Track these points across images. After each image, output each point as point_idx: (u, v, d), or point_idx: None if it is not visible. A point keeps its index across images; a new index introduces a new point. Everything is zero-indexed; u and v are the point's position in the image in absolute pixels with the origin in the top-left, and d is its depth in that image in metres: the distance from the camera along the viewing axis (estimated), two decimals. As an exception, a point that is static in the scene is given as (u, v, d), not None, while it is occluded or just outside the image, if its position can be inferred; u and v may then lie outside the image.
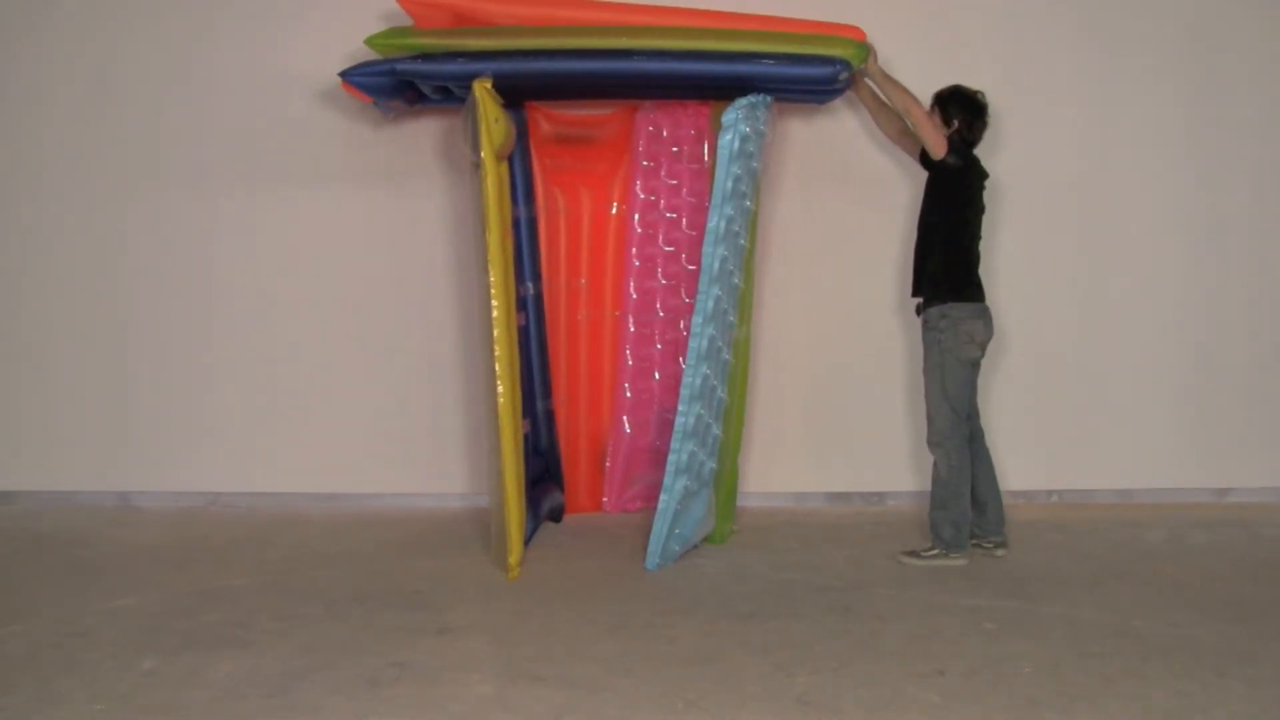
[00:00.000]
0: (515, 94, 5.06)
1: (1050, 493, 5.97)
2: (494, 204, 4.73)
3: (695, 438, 4.83)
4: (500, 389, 4.74)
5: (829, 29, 4.99)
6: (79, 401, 5.94)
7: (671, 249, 5.59)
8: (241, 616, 4.25)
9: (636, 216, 5.60)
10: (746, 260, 5.09)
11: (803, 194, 5.79)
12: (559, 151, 5.62)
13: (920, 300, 5.04)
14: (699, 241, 5.04)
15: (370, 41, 5.02)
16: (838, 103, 5.52)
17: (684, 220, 5.55)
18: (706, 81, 4.97)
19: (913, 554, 4.94)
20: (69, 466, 5.97)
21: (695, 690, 3.58)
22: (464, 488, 5.87)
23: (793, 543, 5.26)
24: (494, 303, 4.73)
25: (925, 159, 5.01)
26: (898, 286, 5.74)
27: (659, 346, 5.64)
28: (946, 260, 4.96)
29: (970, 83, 5.04)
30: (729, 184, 4.81)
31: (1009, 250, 5.70)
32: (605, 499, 5.76)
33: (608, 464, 5.73)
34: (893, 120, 5.23)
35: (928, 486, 5.06)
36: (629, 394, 5.65)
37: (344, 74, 5.02)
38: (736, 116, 4.78)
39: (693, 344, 4.78)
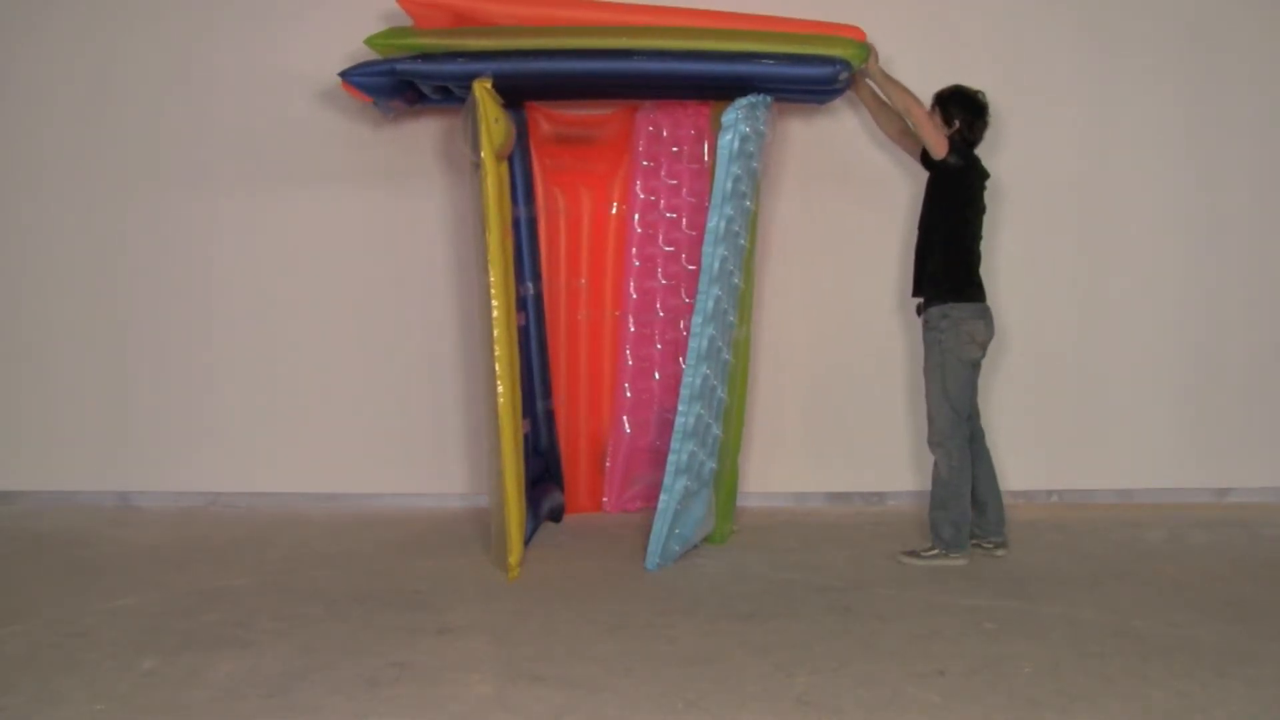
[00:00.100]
0: (515, 94, 5.06)
1: (1050, 493, 5.97)
2: (494, 204, 4.73)
3: (695, 438, 4.83)
4: (500, 389, 4.74)
5: (829, 29, 4.99)
6: (79, 401, 5.94)
7: (671, 249, 5.59)
8: (241, 616, 4.25)
9: (636, 216, 5.60)
10: (746, 260, 5.09)
11: (803, 194, 5.79)
12: (559, 151, 5.62)
13: (921, 300, 5.04)
14: (699, 241, 5.04)
15: (370, 41, 5.02)
16: (838, 103, 5.52)
17: (684, 220, 5.55)
18: (706, 81, 4.97)
19: (913, 554, 4.94)
20: (69, 466, 5.97)
21: (695, 690, 3.58)
22: (464, 488, 5.87)
23: (793, 543, 5.26)
24: (494, 303, 4.73)
25: (926, 159, 5.01)
26: (898, 286, 5.74)
27: (659, 346, 5.64)
28: (947, 260, 4.96)
29: (970, 83, 5.04)
30: (729, 184, 4.81)
31: (1009, 250, 5.71)
32: (605, 499, 5.76)
33: (608, 464, 5.73)
34: (893, 120, 5.23)
35: (928, 486, 5.06)
36: (629, 394, 5.65)
37: (344, 74, 5.02)
38: (736, 116, 4.78)
39: (693, 344, 4.78)
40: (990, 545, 5.04)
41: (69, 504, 5.92)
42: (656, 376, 5.64)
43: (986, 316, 4.98)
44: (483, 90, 4.71)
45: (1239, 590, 4.58)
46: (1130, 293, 5.90)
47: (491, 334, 4.74)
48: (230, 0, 5.81)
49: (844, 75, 4.87)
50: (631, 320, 5.64)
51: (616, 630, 4.10)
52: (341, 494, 5.91)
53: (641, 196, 5.59)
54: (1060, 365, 5.89)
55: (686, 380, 4.79)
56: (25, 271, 5.93)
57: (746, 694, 3.56)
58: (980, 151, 5.05)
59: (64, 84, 5.84)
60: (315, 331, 5.90)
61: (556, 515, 5.56)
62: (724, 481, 5.19)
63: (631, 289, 5.63)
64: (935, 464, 4.98)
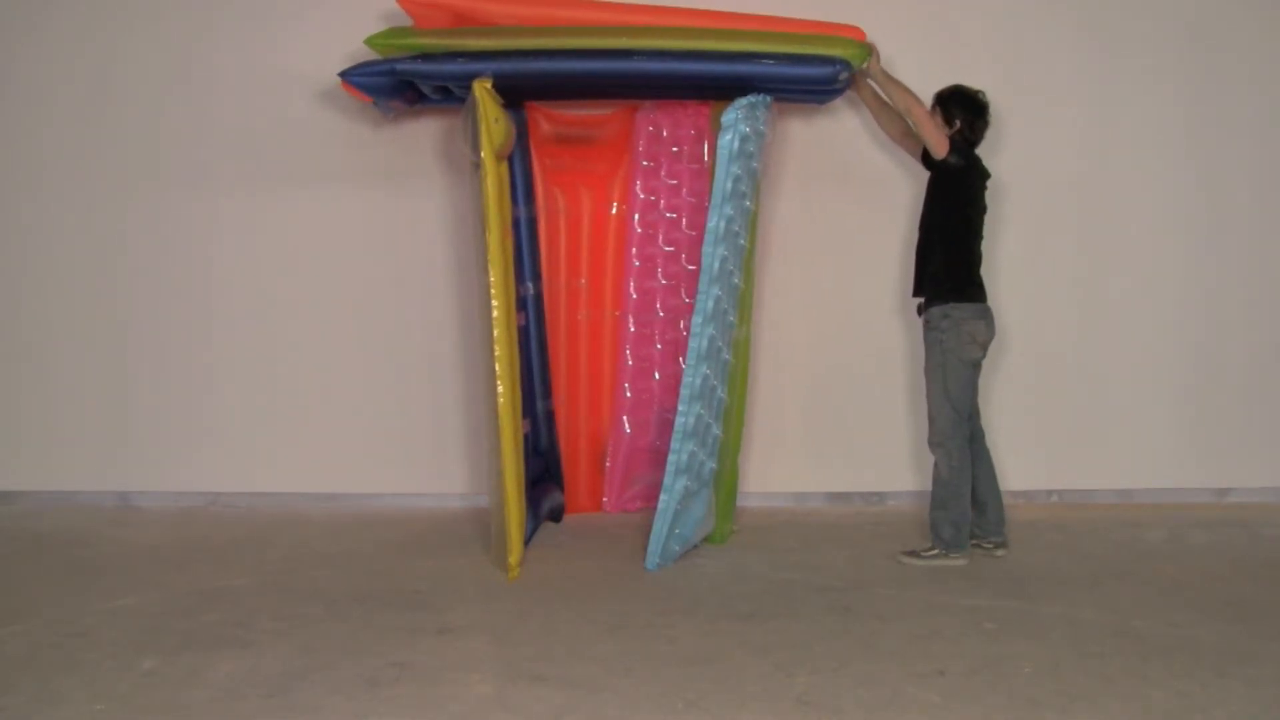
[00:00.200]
0: (515, 94, 5.06)
1: (1050, 493, 5.97)
2: (494, 204, 4.73)
3: (695, 438, 4.83)
4: (500, 389, 4.74)
5: (829, 29, 4.99)
6: (79, 401, 5.94)
7: (671, 249, 5.59)
8: (241, 616, 4.25)
9: (636, 216, 5.60)
10: (746, 260, 5.09)
11: (803, 194, 5.79)
12: (559, 151, 5.62)
13: (921, 300, 5.04)
14: (699, 241, 5.04)
15: (370, 41, 5.02)
16: (838, 103, 5.52)
17: (684, 220, 5.55)
18: (706, 81, 4.97)
19: (913, 554, 4.94)
20: (69, 466, 5.97)
21: (695, 690, 3.58)
22: (464, 488, 5.87)
23: (793, 543, 5.26)
24: (494, 303, 4.73)
25: (927, 159, 5.01)
26: (898, 286, 5.74)
27: (659, 346, 5.64)
28: (948, 260, 4.95)
29: (970, 83, 5.04)
30: (729, 184, 4.81)
31: (1009, 250, 5.71)
32: (605, 499, 5.76)
33: (608, 464, 5.73)
34: (895, 120, 5.23)
35: (928, 486, 5.06)
36: (629, 394, 5.65)
37: (344, 74, 5.02)
38: (736, 116, 4.78)
39: (693, 344, 4.78)
40: (990, 545, 5.04)
41: (69, 504, 5.92)
42: (656, 376, 5.64)
43: (987, 317, 4.98)
44: (483, 90, 4.71)
45: (1239, 590, 4.57)
46: (1130, 293, 5.90)
47: (491, 334, 4.74)
48: (230, 0, 5.81)
49: (844, 75, 4.87)
50: (631, 320, 5.64)
51: (616, 630, 4.10)
52: (341, 494, 5.91)
53: (641, 196, 5.59)
54: (1060, 365, 5.89)
55: (686, 380, 4.79)
56: (25, 271, 5.93)
57: (746, 694, 3.56)
58: (981, 151, 5.05)
59: (64, 84, 5.84)
60: (315, 331, 5.90)
61: (556, 515, 5.56)
62: (724, 481, 5.19)
63: (631, 289, 5.63)
64: (935, 464, 4.98)
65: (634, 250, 5.62)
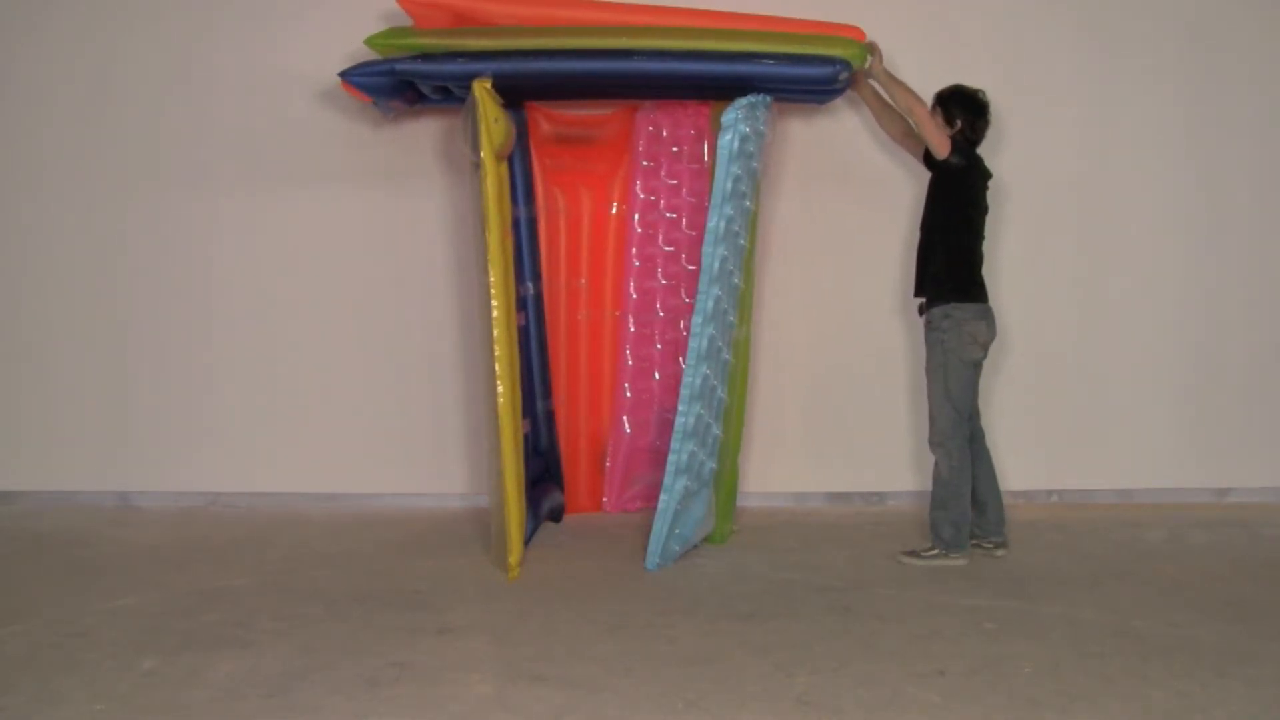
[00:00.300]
0: (515, 94, 5.06)
1: (1050, 493, 5.97)
2: (494, 204, 4.73)
3: (695, 438, 4.83)
4: (500, 389, 4.74)
5: (829, 29, 4.99)
6: (79, 401, 5.94)
7: (671, 249, 5.59)
8: (241, 616, 4.25)
9: (636, 216, 5.60)
10: (746, 260, 5.09)
11: (803, 194, 5.79)
12: (559, 151, 5.62)
13: (923, 300, 5.04)
14: (699, 241, 5.04)
15: (370, 41, 5.02)
16: (838, 103, 5.52)
17: (684, 220, 5.55)
18: (706, 81, 4.97)
19: (913, 554, 4.94)
20: (69, 466, 5.97)
21: (695, 690, 3.58)
22: (464, 488, 5.87)
23: (793, 543, 5.26)
24: (494, 303, 4.73)
25: (928, 159, 5.01)
26: (898, 286, 5.74)
27: (659, 346, 5.64)
28: (950, 260, 4.95)
29: (970, 83, 5.04)
30: (729, 184, 4.81)
31: (1009, 250, 5.70)
32: (605, 499, 5.76)
33: (608, 464, 5.73)
34: (896, 121, 5.23)
35: (928, 486, 5.06)
36: (629, 394, 5.65)
37: (344, 74, 5.02)
38: (736, 116, 4.78)
39: (693, 344, 4.78)
40: (990, 545, 5.03)
41: (69, 504, 5.92)
42: (656, 376, 5.64)
43: (989, 317, 4.98)
44: (482, 90, 4.71)
45: (1239, 590, 4.58)
46: (1130, 293, 5.90)
47: (491, 334, 4.74)
48: (230, 0, 5.81)
49: (844, 75, 4.87)
50: (631, 320, 5.64)
51: (616, 630, 4.10)
52: (341, 494, 5.91)
53: (641, 196, 5.59)
54: (1060, 365, 5.89)
55: (686, 380, 4.79)
56: (25, 271, 5.93)
57: (746, 694, 3.56)
58: (981, 151, 5.05)
59: (64, 84, 5.84)
60: (315, 331, 5.90)
61: (556, 515, 5.56)
62: (724, 481, 5.19)
63: (631, 289, 5.63)
64: (935, 464, 4.98)
65: (634, 250, 5.62)
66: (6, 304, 5.94)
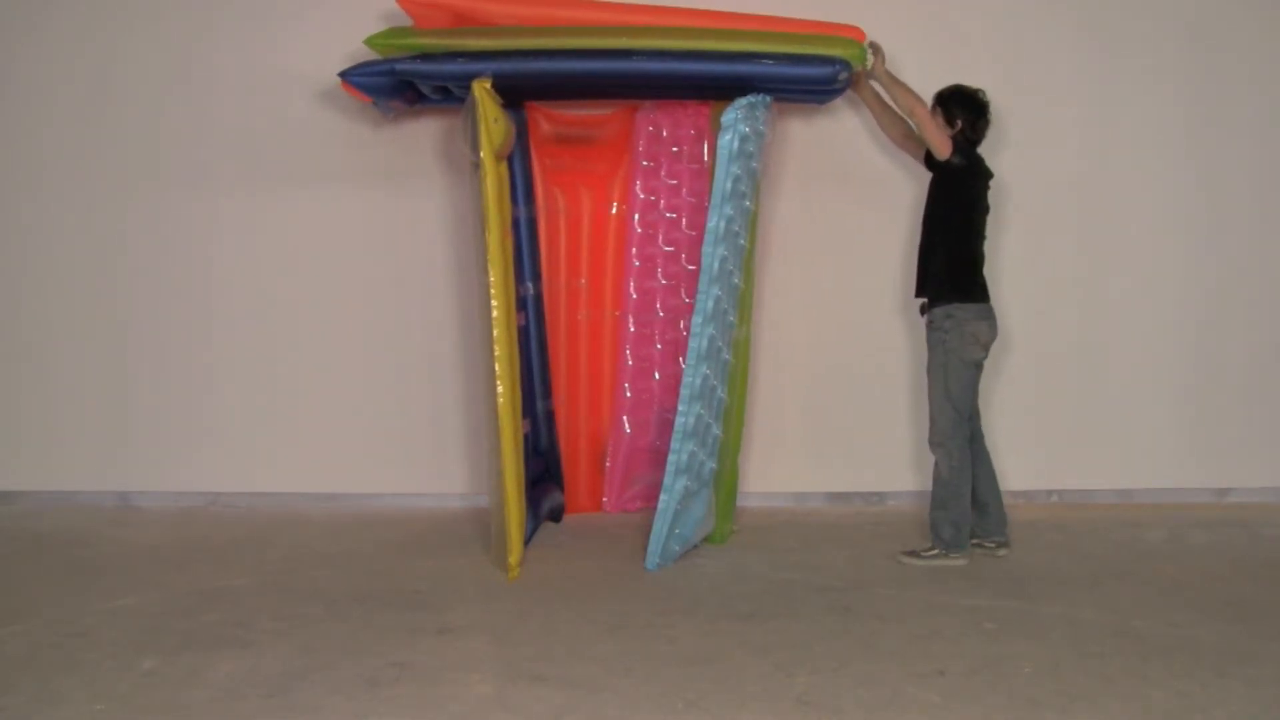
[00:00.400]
0: (515, 94, 5.06)
1: (1050, 493, 5.97)
2: (494, 204, 4.73)
3: (695, 438, 4.83)
4: (500, 389, 4.74)
5: (829, 29, 5.00)
6: (79, 401, 5.94)
7: (671, 249, 5.60)
8: (241, 616, 4.25)
9: (636, 216, 5.61)
10: (746, 260, 5.09)
11: (803, 194, 5.79)
12: (559, 151, 5.62)
13: (924, 300, 5.03)
14: (699, 241, 5.04)
15: (370, 41, 5.02)
16: (838, 103, 5.52)
17: (684, 220, 5.55)
18: (706, 81, 4.97)
19: (913, 554, 4.94)
20: (69, 466, 5.97)
21: (695, 690, 3.58)
22: (464, 488, 5.87)
23: (793, 543, 5.26)
24: (494, 303, 4.73)
25: (929, 160, 5.01)
26: (898, 286, 5.74)
27: (659, 346, 5.64)
28: (951, 260, 4.95)
29: (970, 83, 5.04)
30: (729, 184, 4.81)
31: (1009, 250, 5.70)
32: (605, 499, 5.76)
33: (608, 464, 5.73)
34: (896, 123, 5.23)
35: (928, 486, 5.06)
36: (629, 394, 5.65)
37: (344, 74, 5.02)
38: (736, 116, 4.78)
39: (693, 344, 4.78)
40: (993, 545, 5.04)
41: (69, 504, 5.92)
42: (656, 376, 5.64)
43: (990, 317, 4.98)
44: (482, 90, 4.71)
45: (1239, 590, 4.58)
46: (1130, 293, 5.90)
47: (491, 334, 4.74)
48: (230, 0, 5.81)
49: (844, 75, 4.87)
50: (631, 320, 5.64)
51: (616, 630, 4.10)
52: (341, 494, 5.91)
53: (641, 196, 5.59)
54: (1060, 365, 5.89)
55: (686, 380, 4.79)
56: (25, 271, 5.93)
57: (746, 694, 3.56)
58: (981, 151, 5.05)
59: (64, 84, 5.84)
60: (315, 331, 5.90)
61: (556, 515, 5.56)
62: (724, 481, 5.19)
63: (631, 289, 5.63)
64: (936, 464, 4.98)
65: (634, 250, 5.62)
66: (6, 304, 5.94)
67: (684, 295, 5.55)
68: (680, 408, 4.78)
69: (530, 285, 5.42)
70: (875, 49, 4.96)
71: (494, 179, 4.74)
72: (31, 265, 5.92)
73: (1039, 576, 4.75)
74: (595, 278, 5.70)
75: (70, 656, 3.87)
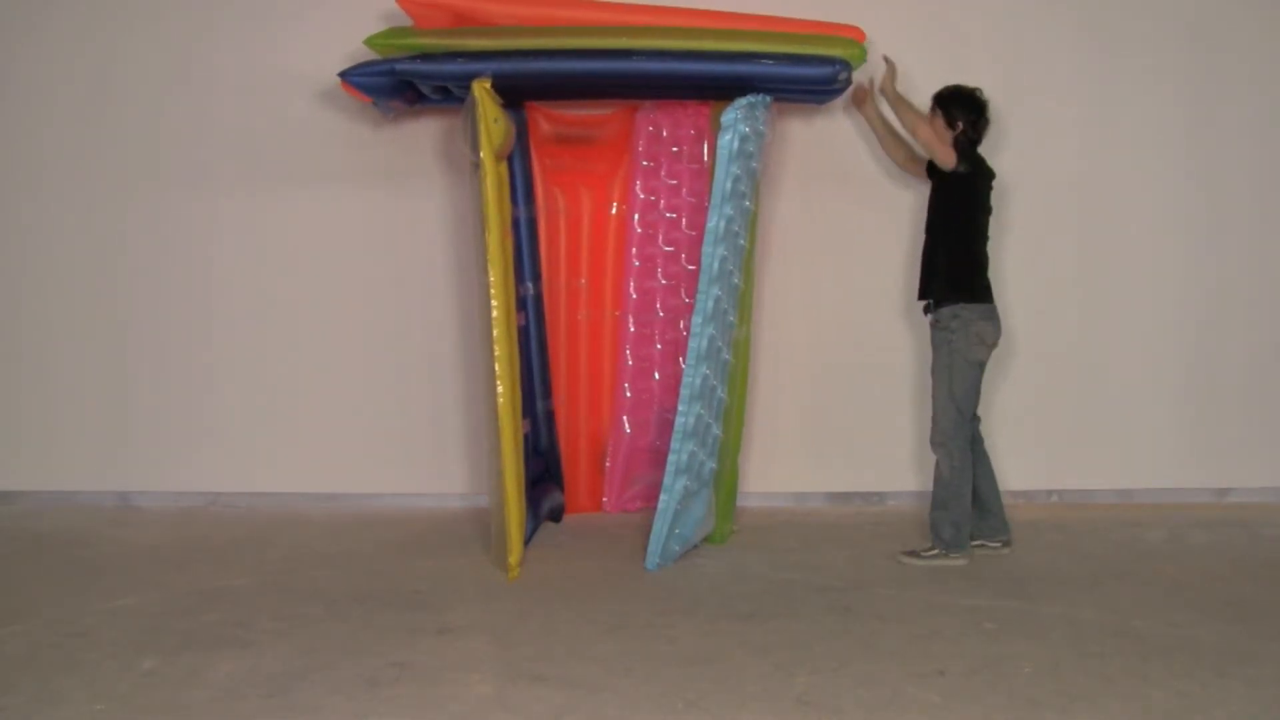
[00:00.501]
0: (515, 94, 5.06)
1: (1050, 493, 5.97)
2: (494, 204, 4.73)
3: (695, 438, 4.83)
4: (500, 389, 4.74)
5: (829, 29, 5.00)
6: (79, 401, 5.94)
7: (671, 249, 5.60)
8: (241, 616, 4.25)
9: (636, 216, 5.61)
10: (746, 260, 5.09)
11: (803, 194, 5.79)
12: (559, 151, 5.62)
13: (928, 301, 5.02)
14: (699, 241, 5.04)
15: (370, 41, 5.03)
16: (838, 103, 5.51)
17: (684, 220, 5.55)
18: (706, 81, 4.97)
19: (913, 554, 4.94)
20: (69, 466, 5.97)
21: (695, 690, 3.58)
22: (464, 488, 5.87)
23: (793, 543, 5.26)
24: (494, 303, 4.73)
25: (932, 169, 5.00)
26: (898, 286, 5.74)
27: (659, 346, 5.64)
28: (957, 261, 4.95)
29: (971, 83, 5.04)
30: (728, 184, 4.81)
31: (1010, 250, 5.69)
32: (605, 499, 5.76)
33: (608, 464, 5.73)
34: (900, 146, 5.27)
35: (928, 487, 5.06)
36: (629, 394, 5.65)
37: (344, 74, 5.02)
38: (736, 116, 4.78)
39: (693, 344, 4.78)
40: (997, 544, 5.04)
41: (69, 504, 5.92)
42: (656, 376, 5.64)
43: (995, 318, 4.98)
44: (482, 90, 4.71)
45: (1239, 590, 4.58)
46: (1130, 293, 5.90)
47: (491, 334, 4.74)
48: (230, 0, 5.80)
49: (843, 75, 4.87)
50: (631, 320, 5.64)
51: (616, 630, 4.10)
52: (341, 494, 5.91)
53: (641, 196, 5.59)
54: (1060, 365, 5.89)
55: (686, 380, 4.79)
56: (25, 271, 5.93)
57: (746, 694, 3.56)
58: (981, 151, 5.05)
59: (64, 84, 5.84)
60: (315, 331, 5.90)
61: (556, 515, 5.56)
62: (724, 481, 5.19)
63: (631, 289, 5.63)
64: (937, 464, 4.98)
65: (634, 250, 5.62)
66: (6, 304, 5.94)
67: (684, 295, 5.55)
68: (680, 408, 4.78)
69: (530, 285, 5.42)
70: (888, 65, 4.96)
71: (494, 179, 4.74)
72: (31, 265, 5.92)
73: (1039, 576, 4.75)
74: (595, 278, 5.70)
75: (70, 656, 3.87)
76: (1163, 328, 5.91)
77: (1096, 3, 5.83)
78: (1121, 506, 5.88)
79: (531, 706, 3.48)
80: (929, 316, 5.04)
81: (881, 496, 5.94)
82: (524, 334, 5.33)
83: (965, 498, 4.94)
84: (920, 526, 5.25)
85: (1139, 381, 5.91)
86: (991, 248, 5.11)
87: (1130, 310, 5.90)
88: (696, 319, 4.78)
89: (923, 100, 5.10)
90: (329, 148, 5.79)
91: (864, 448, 5.92)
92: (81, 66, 5.83)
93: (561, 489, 5.64)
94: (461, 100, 4.89)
